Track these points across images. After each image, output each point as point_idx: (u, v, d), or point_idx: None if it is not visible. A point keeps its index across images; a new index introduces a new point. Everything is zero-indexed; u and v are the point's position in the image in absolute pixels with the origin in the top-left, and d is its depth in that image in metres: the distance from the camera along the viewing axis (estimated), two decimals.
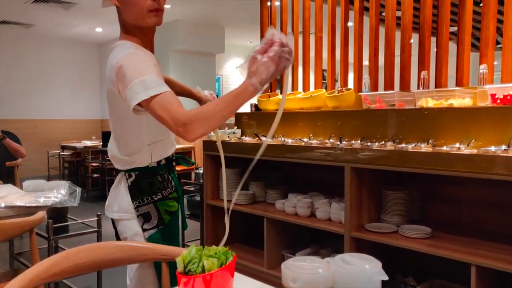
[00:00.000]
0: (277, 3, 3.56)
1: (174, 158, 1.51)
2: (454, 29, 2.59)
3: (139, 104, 1.13)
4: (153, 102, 1.11)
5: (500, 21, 2.33)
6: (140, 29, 1.32)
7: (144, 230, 1.37)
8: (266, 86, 1.05)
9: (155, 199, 1.39)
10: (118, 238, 1.45)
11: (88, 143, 7.38)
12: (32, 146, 7.74)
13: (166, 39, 7.49)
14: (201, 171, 3.39)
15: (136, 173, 1.39)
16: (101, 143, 6.77)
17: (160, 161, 1.43)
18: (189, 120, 1.06)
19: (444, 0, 2.53)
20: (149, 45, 1.36)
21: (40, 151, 8.01)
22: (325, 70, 3.24)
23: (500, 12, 2.39)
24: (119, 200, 1.41)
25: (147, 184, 1.39)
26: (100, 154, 6.70)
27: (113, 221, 1.46)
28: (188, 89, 1.71)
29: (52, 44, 8.73)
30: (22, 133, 4.28)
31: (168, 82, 1.59)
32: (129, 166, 1.39)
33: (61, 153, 7.55)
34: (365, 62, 3.06)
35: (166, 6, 1.31)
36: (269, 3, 3.59)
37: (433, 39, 2.62)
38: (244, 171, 2.98)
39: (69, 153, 7.56)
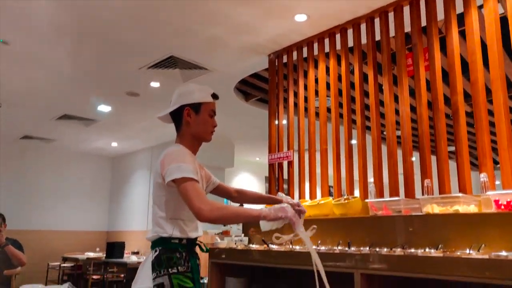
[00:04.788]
0: (284, 121, 3.84)
1: (196, 243, 1.72)
2: (452, 148, 2.74)
3: (173, 181, 1.52)
4: (186, 184, 1.49)
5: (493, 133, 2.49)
6: (198, 141, 1.77)
7: None
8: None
9: (170, 272, 1.56)
10: None
11: (91, 254, 7.21)
12: (34, 256, 7.55)
13: None
14: (205, 281, 3.27)
15: (159, 248, 1.61)
16: (105, 255, 6.62)
17: (182, 239, 1.62)
18: (211, 207, 1.43)
19: (438, 115, 2.74)
20: (194, 153, 1.76)
21: (41, 263, 7.77)
22: (331, 187, 3.29)
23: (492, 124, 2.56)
24: (143, 274, 1.61)
25: (166, 258, 1.58)
26: (102, 266, 6.48)
27: None
28: (267, 196, 2.11)
29: (69, 158, 9.10)
30: (26, 245, 4.25)
31: (241, 192, 2.05)
32: (156, 234, 1.61)
33: (62, 265, 7.32)
34: (370, 179, 3.12)
35: None
36: (276, 122, 3.87)
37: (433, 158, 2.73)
38: (252, 281, 2.89)
39: (70, 265, 7.34)
